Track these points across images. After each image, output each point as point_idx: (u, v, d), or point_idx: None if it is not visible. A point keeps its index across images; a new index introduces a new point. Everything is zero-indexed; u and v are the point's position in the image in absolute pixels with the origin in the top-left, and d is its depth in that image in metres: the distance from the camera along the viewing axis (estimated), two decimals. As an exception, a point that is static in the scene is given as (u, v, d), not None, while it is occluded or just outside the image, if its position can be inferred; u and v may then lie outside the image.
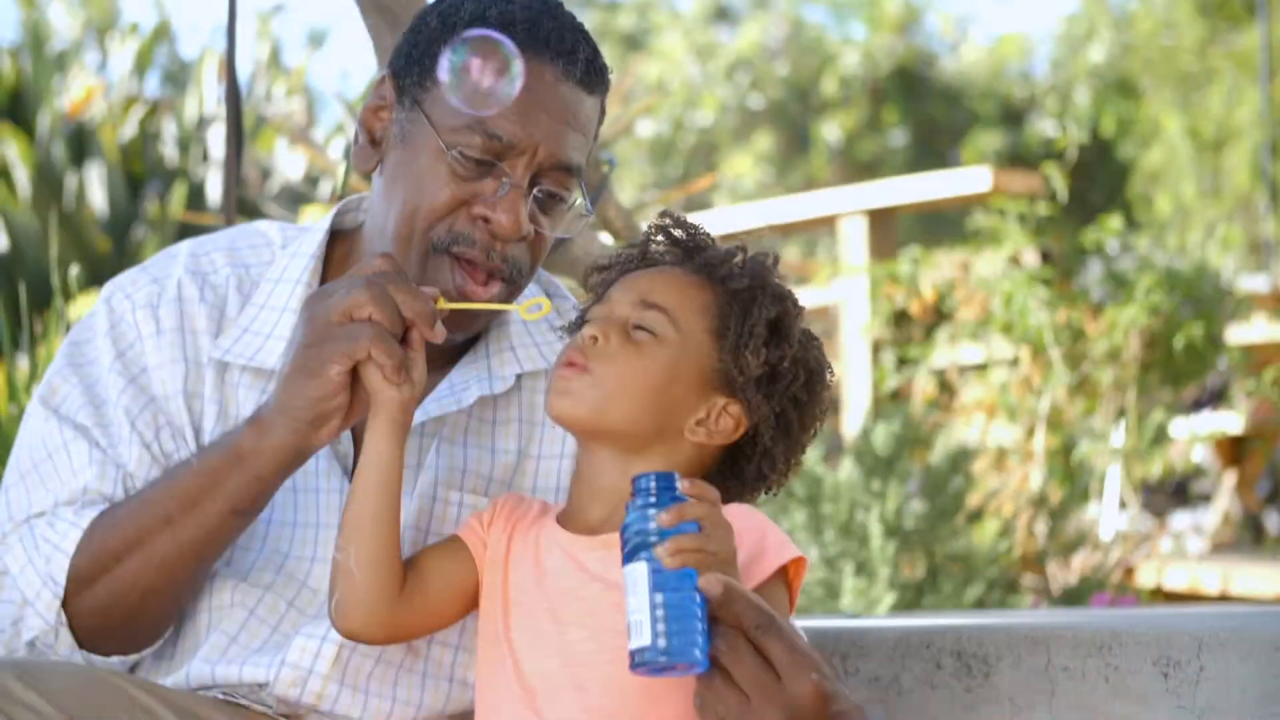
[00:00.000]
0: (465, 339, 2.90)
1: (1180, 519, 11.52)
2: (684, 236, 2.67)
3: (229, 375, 2.88)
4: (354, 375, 2.54)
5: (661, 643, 2.27)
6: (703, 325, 2.59)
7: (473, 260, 2.76)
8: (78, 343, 2.93)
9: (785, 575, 2.53)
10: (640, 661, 2.28)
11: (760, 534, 2.52)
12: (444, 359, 2.90)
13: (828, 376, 2.67)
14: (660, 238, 2.68)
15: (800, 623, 3.21)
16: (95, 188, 12.68)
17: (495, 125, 2.71)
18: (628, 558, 2.32)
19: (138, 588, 2.69)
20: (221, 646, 2.77)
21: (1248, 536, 10.89)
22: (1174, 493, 12.11)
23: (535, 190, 2.75)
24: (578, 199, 2.82)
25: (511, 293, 2.81)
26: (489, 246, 2.75)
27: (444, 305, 2.59)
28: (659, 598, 2.28)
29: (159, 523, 2.66)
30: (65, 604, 2.70)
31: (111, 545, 2.68)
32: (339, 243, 2.98)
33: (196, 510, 2.65)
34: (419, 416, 2.80)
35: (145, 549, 2.67)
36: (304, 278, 2.91)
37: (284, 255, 2.96)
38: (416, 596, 2.59)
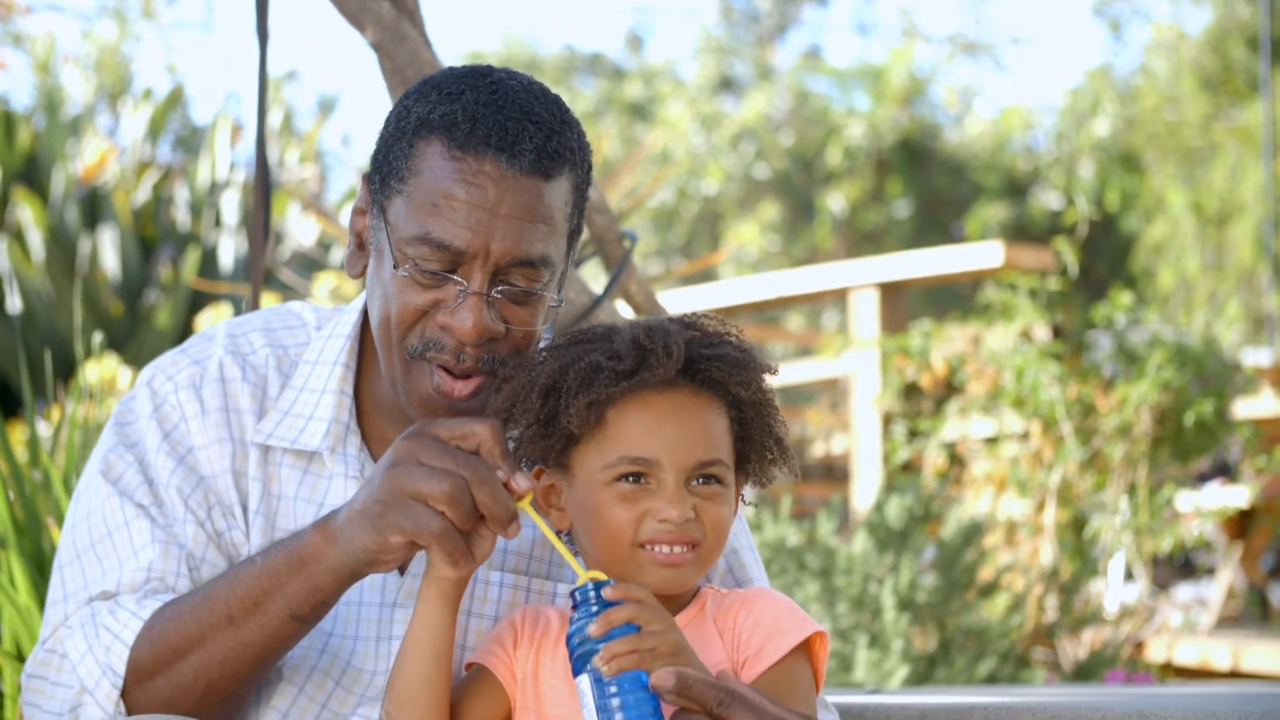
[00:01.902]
0: None
1: (1183, 591, 11.51)
2: (683, 347, 2.59)
3: (272, 456, 2.89)
4: None
5: None
6: (730, 443, 2.63)
7: (446, 366, 2.74)
8: (123, 425, 2.94)
9: (809, 650, 2.57)
10: None
11: (776, 613, 2.57)
12: None
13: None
14: (663, 353, 2.58)
15: (833, 700, 3.22)
16: (108, 251, 12.71)
17: (441, 235, 2.67)
18: (575, 670, 2.38)
19: (199, 684, 2.70)
20: None
21: (1253, 611, 10.88)
22: (1180, 566, 12.11)
23: (497, 290, 2.71)
24: (552, 289, 2.77)
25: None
26: (459, 350, 2.72)
27: (525, 508, 2.54)
28: (612, 703, 2.34)
29: (221, 621, 2.67)
30: (124, 694, 2.71)
31: (173, 641, 2.69)
32: (369, 317, 2.96)
33: (257, 612, 2.65)
34: None
35: (207, 647, 2.68)
36: (341, 359, 2.92)
37: (319, 337, 2.97)
38: None
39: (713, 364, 2.58)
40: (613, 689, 2.34)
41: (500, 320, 2.72)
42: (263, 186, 4.62)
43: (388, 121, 2.81)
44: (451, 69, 2.82)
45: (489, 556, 2.55)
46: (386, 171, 2.76)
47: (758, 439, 2.64)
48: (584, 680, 2.36)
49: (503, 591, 2.84)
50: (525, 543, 2.87)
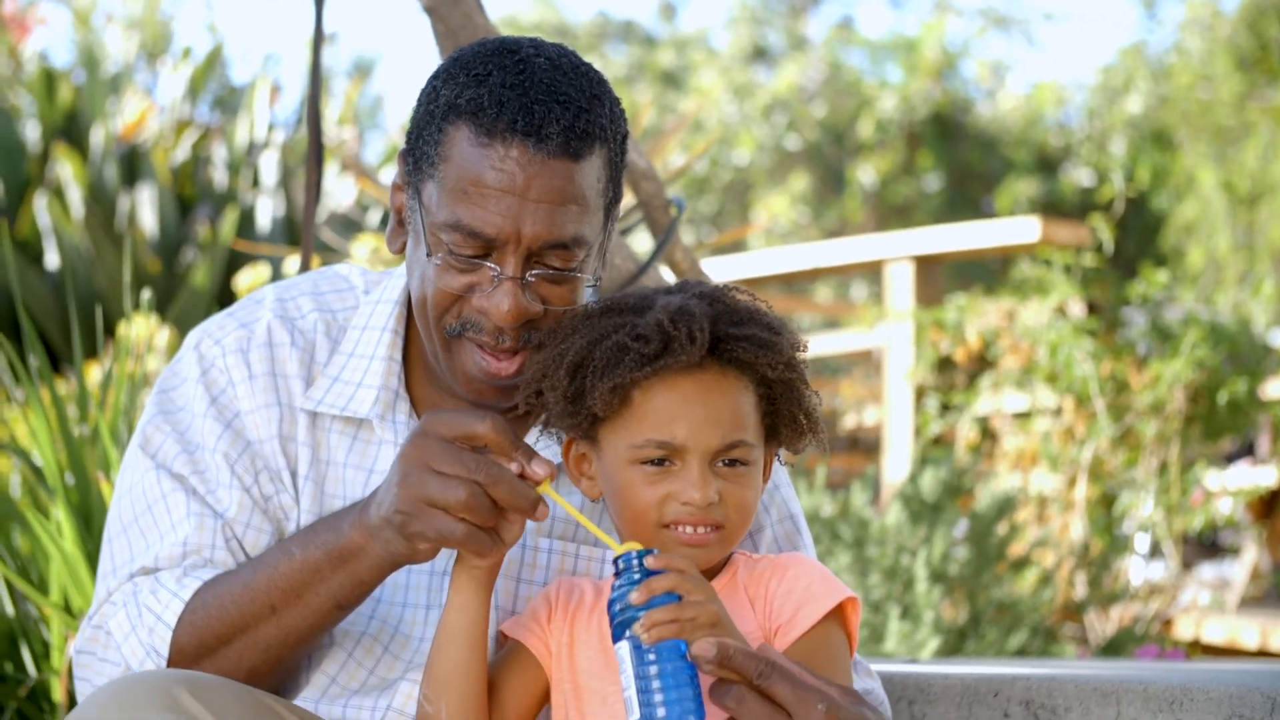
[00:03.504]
0: None
1: (1207, 570, 11.51)
2: (708, 331, 2.59)
3: (320, 421, 2.92)
4: None
5: (659, 713, 2.36)
6: (759, 420, 2.65)
7: (484, 345, 2.77)
8: (167, 390, 2.96)
9: (842, 616, 2.60)
10: None
11: (810, 578, 2.60)
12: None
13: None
14: (687, 339, 2.58)
15: (877, 667, 3.25)
16: (146, 209, 12.73)
17: (472, 223, 2.69)
18: (615, 636, 2.41)
19: (242, 668, 2.74)
20: (322, 686, 2.82)
21: (1276, 591, 10.89)
22: (1204, 545, 12.11)
23: (532, 273, 2.72)
24: (589, 267, 2.78)
25: None
26: (497, 333, 2.75)
27: (547, 491, 2.55)
28: (650, 670, 2.37)
29: (264, 610, 2.70)
30: None
31: (216, 629, 2.72)
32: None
33: (300, 603, 2.69)
34: None
35: (250, 635, 2.72)
36: (390, 324, 2.94)
37: (367, 302, 2.99)
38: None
39: (739, 344, 2.59)
40: (651, 657, 2.37)
41: (538, 301, 2.74)
42: (315, 145, 4.64)
43: (419, 100, 2.82)
44: (481, 44, 2.81)
45: (520, 537, 2.57)
46: (419, 154, 2.78)
47: (787, 414, 2.65)
48: (623, 647, 2.39)
49: (551, 558, 2.88)
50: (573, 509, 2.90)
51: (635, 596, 2.39)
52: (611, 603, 2.42)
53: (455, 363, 2.80)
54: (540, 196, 2.69)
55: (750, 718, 2.38)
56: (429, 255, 2.73)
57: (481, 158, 2.69)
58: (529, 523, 2.79)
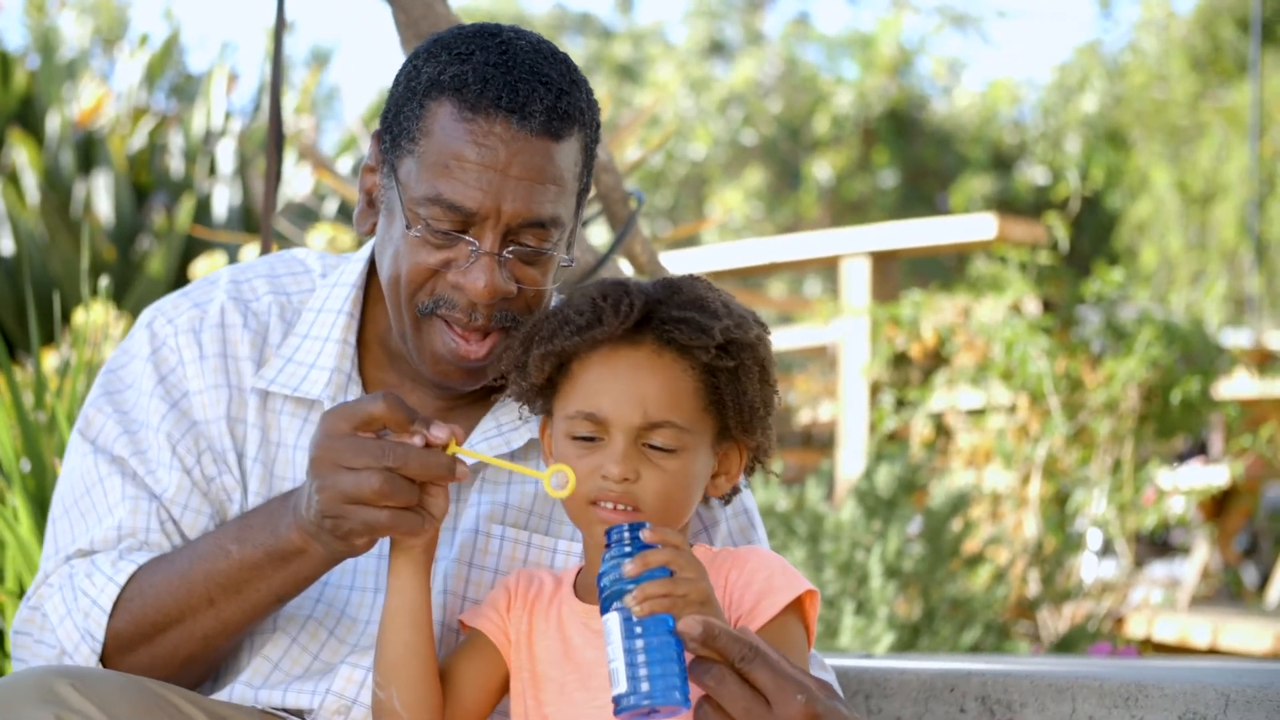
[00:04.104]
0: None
1: (1157, 569, 11.58)
2: (640, 305, 2.60)
3: (271, 403, 2.92)
4: None
5: (644, 686, 2.35)
6: (699, 407, 2.62)
7: (458, 323, 2.77)
8: (114, 370, 2.96)
9: (800, 609, 2.59)
10: (624, 707, 2.36)
11: (770, 570, 2.59)
12: (485, 391, 2.92)
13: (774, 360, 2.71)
14: (611, 319, 2.59)
15: (828, 661, 3.25)
16: (102, 196, 12.68)
17: (453, 196, 2.70)
18: (604, 608, 2.40)
19: (178, 657, 2.74)
20: (264, 672, 2.81)
21: (1230, 590, 10.95)
22: (1154, 544, 12.17)
23: (508, 250, 2.74)
24: (561, 249, 2.80)
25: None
26: (471, 309, 2.76)
27: (456, 450, 2.56)
28: (636, 644, 2.37)
29: (202, 603, 2.70)
30: (104, 660, 2.75)
31: (153, 618, 2.72)
32: (378, 273, 2.98)
33: (239, 597, 2.69)
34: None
35: (187, 625, 2.72)
36: (345, 307, 2.94)
37: (324, 285, 2.99)
38: (455, 708, 2.63)
39: (676, 326, 2.58)
40: (639, 629, 2.37)
41: (512, 280, 2.75)
42: (276, 133, 4.64)
43: (397, 80, 2.83)
44: (460, 28, 2.84)
45: (446, 509, 2.57)
46: (397, 131, 2.78)
47: (731, 404, 2.63)
48: (612, 619, 2.38)
49: (504, 545, 2.87)
50: (527, 498, 2.89)
51: (630, 568, 2.38)
52: (601, 575, 2.41)
53: (424, 342, 2.80)
54: (521, 174, 2.70)
55: (728, 699, 2.38)
56: (408, 228, 2.73)
57: (465, 133, 2.70)
58: (479, 510, 2.84)
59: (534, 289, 2.78)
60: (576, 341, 2.58)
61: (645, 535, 2.41)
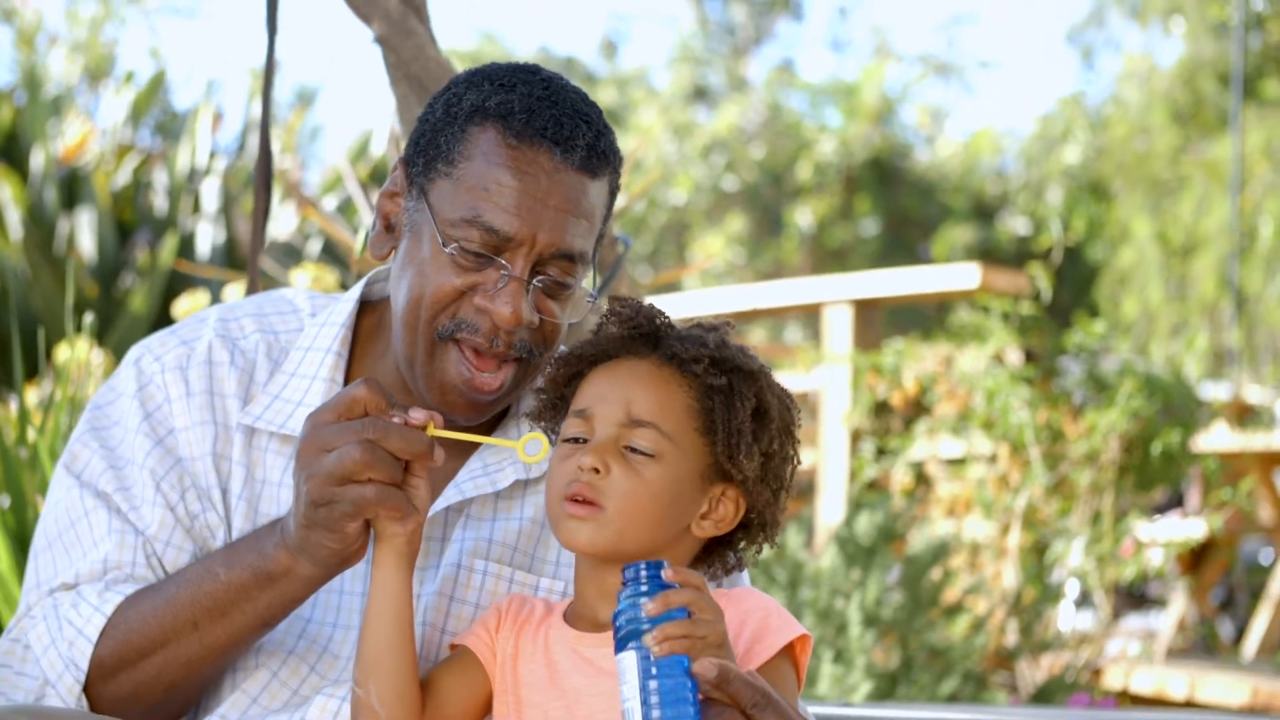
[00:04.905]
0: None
1: (1133, 621, 11.58)
2: (643, 323, 2.64)
3: (257, 440, 2.91)
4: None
5: None
6: (691, 427, 2.61)
7: (478, 348, 2.78)
8: (101, 406, 2.96)
9: (792, 653, 2.58)
10: None
11: (764, 614, 2.57)
12: (474, 429, 2.91)
13: (797, 424, 2.70)
14: (617, 327, 2.64)
15: (812, 709, 3.25)
16: (86, 233, 12.68)
17: (492, 219, 2.72)
18: (619, 646, 2.39)
19: (162, 683, 2.73)
20: (242, 706, 2.80)
21: (1206, 643, 10.96)
22: (1131, 596, 12.18)
23: (536, 280, 2.76)
24: (584, 283, 2.82)
25: (527, 372, 2.83)
26: (493, 335, 2.76)
27: (435, 433, 2.57)
28: (651, 684, 2.35)
29: (186, 627, 2.70)
30: (87, 689, 2.74)
31: (136, 643, 2.71)
32: (368, 313, 3.00)
33: (225, 620, 2.69)
34: (453, 496, 2.86)
35: (171, 650, 2.71)
36: (334, 346, 2.94)
37: (313, 324, 2.99)
38: (436, 718, 2.63)
39: (680, 342, 2.61)
40: (654, 670, 2.35)
41: (535, 311, 2.77)
42: (264, 171, 4.64)
43: (433, 106, 2.85)
44: (497, 64, 2.87)
45: (430, 502, 2.60)
46: (433, 154, 2.80)
47: (722, 427, 2.61)
48: (628, 658, 2.37)
49: (486, 580, 2.85)
50: (511, 534, 2.89)
51: (651, 607, 2.37)
52: (618, 613, 2.40)
53: (436, 368, 2.80)
54: (559, 205, 2.73)
55: None
56: (444, 245, 2.74)
57: (508, 158, 2.73)
58: (463, 546, 2.84)
59: (552, 322, 2.79)
60: (586, 347, 2.63)
61: (666, 575, 2.40)
